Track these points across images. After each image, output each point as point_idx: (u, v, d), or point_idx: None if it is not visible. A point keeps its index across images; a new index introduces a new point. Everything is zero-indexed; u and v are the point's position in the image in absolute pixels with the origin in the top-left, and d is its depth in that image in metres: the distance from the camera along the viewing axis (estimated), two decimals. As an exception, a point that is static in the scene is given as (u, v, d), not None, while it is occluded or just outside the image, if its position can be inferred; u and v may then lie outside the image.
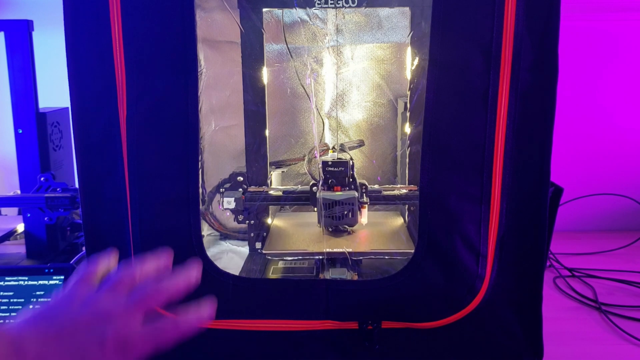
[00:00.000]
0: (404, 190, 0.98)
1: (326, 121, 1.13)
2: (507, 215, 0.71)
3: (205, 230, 1.13)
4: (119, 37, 0.69)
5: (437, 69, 0.68)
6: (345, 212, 0.93)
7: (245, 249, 1.03)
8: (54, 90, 1.10)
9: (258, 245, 1.01)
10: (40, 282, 0.85)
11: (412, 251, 0.73)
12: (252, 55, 0.99)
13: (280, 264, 0.98)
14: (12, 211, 1.29)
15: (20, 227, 1.23)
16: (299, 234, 1.01)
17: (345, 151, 1.00)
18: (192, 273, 0.51)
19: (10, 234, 1.26)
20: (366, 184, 0.97)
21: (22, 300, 0.84)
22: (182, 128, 0.70)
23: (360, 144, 1.08)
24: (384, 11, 1.09)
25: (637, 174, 1.33)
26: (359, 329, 0.74)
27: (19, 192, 1.18)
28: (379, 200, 0.98)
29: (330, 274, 0.88)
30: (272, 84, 1.10)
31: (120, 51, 0.69)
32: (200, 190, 0.86)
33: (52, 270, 0.86)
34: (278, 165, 1.11)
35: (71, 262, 1.09)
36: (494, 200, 0.70)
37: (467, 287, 0.72)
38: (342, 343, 0.75)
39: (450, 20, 0.67)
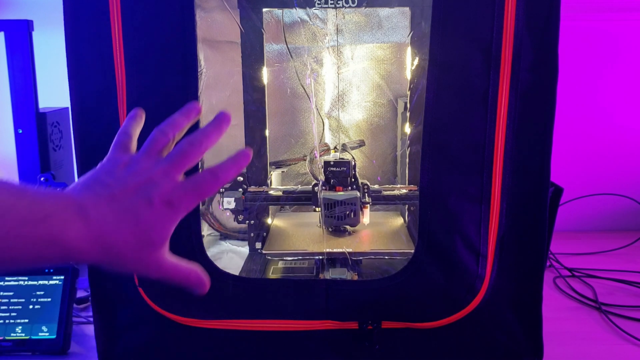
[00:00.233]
0: (404, 190, 0.98)
1: (326, 121, 1.13)
2: (507, 215, 0.71)
3: (205, 230, 1.13)
4: (119, 37, 0.69)
5: (437, 69, 0.68)
6: (347, 212, 0.93)
7: (245, 249, 1.03)
8: (54, 90, 1.10)
9: (258, 245, 1.01)
10: (40, 282, 0.85)
11: (412, 251, 0.73)
12: (252, 55, 0.99)
13: (280, 264, 0.98)
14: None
15: (20, 227, 1.22)
16: (299, 234, 1.01)
17: (347, 151, 1.00)
18: (222, 125, 0.53)
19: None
20: (368, 184, 0.97)
21: (22, 300, 0.84)
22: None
23: (361, 144, 1.08)
24: (384, 11, 1.09)
25: (637, 174, 1.33)
26: (359, 329, 0.74)
27: (19, 192, 1.17)
28: (379, 200, 0.98)
29: (330, 274, 0.88)
30: (272, 84, 1.10)
31: (120, 51, 0.69)
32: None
33: (52, 270, 0.86)
34: (278, 165, 1.11)
35: (71, 262, 1.10)
36: (494, 200, 0.70)
37: (467, 287, 0.72)
38: (342, 343, 0.75)
39: (450, 20, 0.67)
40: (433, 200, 0.70)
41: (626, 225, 1.33)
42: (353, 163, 0.95)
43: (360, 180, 0.95)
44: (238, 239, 1.12)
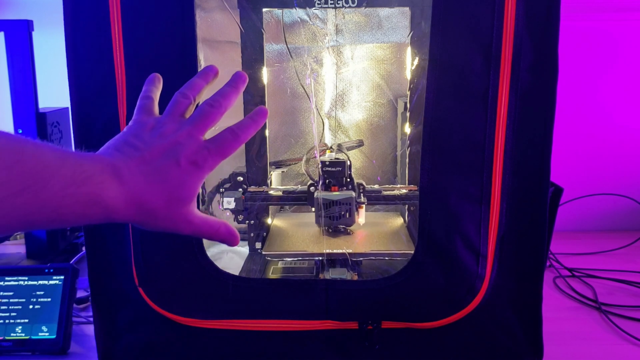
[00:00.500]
0: (404, 190, 0.98)
1: (326, 121, 1.13)
2: (507, 215, 0.71)
3: (205, 230, 1.13)
4: (119, 37, 0.69)
5: (437, 69, 0.68)
6: (343, 212, 0.93)
7: (245, 249, 1.03)
8: (54, 90, 1.10)
9: (258, 245, 1.01)
10: (40, 282, 0.85)
11: (412, 251, 0.73)
12: (252, 55, 0.99)
13: (280, 264, 0.98)
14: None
15: (20, 227, 1.22)
16: (298, 234, 1.01)
17: (342, 151, 1.00)
18: (239, 85, 0.56)
19: (10, 234, 1.26)
20: (364, 184, 0.97)
21: (22, 300, 0.84)
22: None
23: (360, 144, 1.08)
24: (384, 11, 1.09)
25: (637, 174, 1.33)
26: (359, 329, 0.74)
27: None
28: (378, 200, 0.98)
29: (330, 274, 0.88)
30: (272, 84, 1.10)
31: (120, 51, 0.69)
32: (200, 190, 0.86)
33: (52, 270, 0.86)
34: (278, 165, 1.11)
35: (71, 262, 1.10)
36: (494, 200, 0.70)
37: (467, 287, 0.72)
38: (342, 343, 0.75)
39: (450, 20, 0.67)
40: (433, 200, 0.70)
41: (626, 225, 1.33)
42: (348, 163, 0.95)
43: (355, 180, 0.95)
44: (238, 239, 1.12)
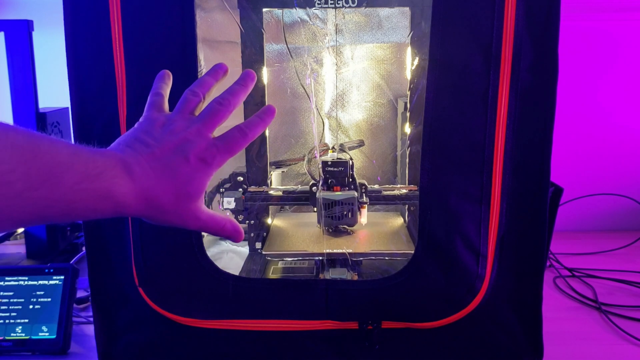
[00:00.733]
0: (404, 190, 0.98)
1: (326, 121, 1.13)
2: (507, 215, 0.71)
3: (205, 230, 1.13)
4: (119, 37, 0.69)
5: (437, 69, 0.68)
6: (345, 212, 0.93)
7: (245, 249, 1.03)
8: (54, 90, 1.10)
9: (258, 245, 1.01)
10: (40, 282, 0.85)
11: (412, 251, 0.73)
12: (252, 55, 0.99)
13: (280, 264, 0.98)
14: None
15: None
16: (299, 234, 1.01)
17: (344, 151, 1.00)
18: (247, 83, 0.57)
19: (10, 234, 1.26)
20: (366, 184, 0.97)
21: (22, 300, 0.84)
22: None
23: (360, 144, 1.08)
24: (384, 11, 1.09)
25: (637, 174, 1.33)
26: (359, 329, 0.74)
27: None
28: (379, 200, 0.98)
29: (330, 274, 0.88)
30: (272, 84, 1.10)
31: (120, 51, 0.69)
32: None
33: (52, 270, 0.86)
34: (278, 165, 1.11)
35: (71, 262, 1.10)
36: (494, 200, 0.70)
37: (467, 287, 0.72)
38: (342, 343, 0.75)
39: (450, 20, 0.67)
40: (433, 200, 0.70)
41: (626, 225, 1.33)
42: (351, 163, 0.95)
43: (358, 180, 0.95)
44: (238, 239, 1.12)
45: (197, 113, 0.55)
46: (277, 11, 1.03)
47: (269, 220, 1.06)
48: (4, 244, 1.24)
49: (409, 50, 0.99)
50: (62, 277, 0.85)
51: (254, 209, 0.99)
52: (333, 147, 1.02)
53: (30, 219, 0.43)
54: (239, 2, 0.97)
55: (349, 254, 0.91)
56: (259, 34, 0.98)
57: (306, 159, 1.01)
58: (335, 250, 0.92)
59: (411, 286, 0.72)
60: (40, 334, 0.82)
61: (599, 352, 0.83)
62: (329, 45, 1.07)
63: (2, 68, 1.10)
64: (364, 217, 0.96)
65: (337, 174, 0.94)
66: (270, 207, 1.05)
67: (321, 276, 0.90)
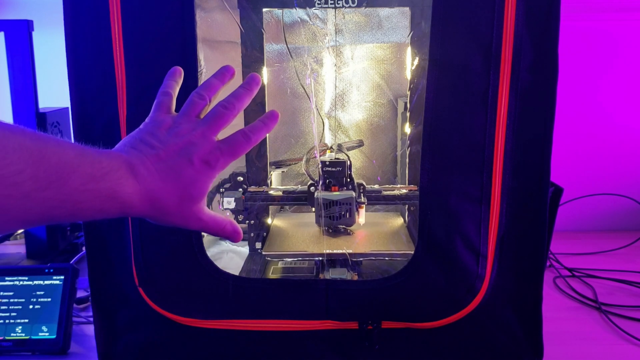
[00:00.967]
0: (404, 190, 0.98)
1: (326, 121, 1.13)
2: (507, 215, 0.71)
3: (205, 230, 1.13)
4: (119, 37, 0.69)
5: (437, 69, 0.68)
6: (343, 212, 0.93)
7: (245, 249, 1.03)
8: (54, 90, 1.10)
9: (258, 245, 1.01)
10: (40, 282, 0.85)
11: (412, 251, 0.73)
12: (252, 55, 0.99)
13: (280, 264, 0.98)
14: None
15: (20, 227, 1.22)
16: (298, 234, 1.01)
17: (342, 151, 1.00)
18: (252, 87, 0.58)
19: (10, 234, 1.26)
20: (364, 184, 0.97)
21: (22, 300, 0.84)
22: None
23: (360, 144, 1.08)
24: (384, 11, 1.09)
25: (637, 174, 1.33)
26: (359, 329, 0.74)
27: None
28: (378, 200, 0.98)
29: (330, 274, 0.88)
30: (272, 84, 1.10)
31: (120, 51, 0.69)
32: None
33: (52, 270, 0.86)
34: (278, 165, 1.11)
35: (71, 262, 1.10)
36: (494, 200, 0.70)
37: (467, 287, 0.72)
38: (342, 343, 0.75)
39: (450, 20, 0.67)
40: (433, 200, 0.70)
41: (626, 225, 1.33)
42: (349, 163, 0.95)
43: (356, 180, 0.95)
44: (238, 239, 1.12)
45: (202, 115, 0.55)
46: (277, 11, 1.03)
47: (269, 221, 1.06)
48: (4, 244, 1.24)
49: (409, 50, 0.99)
50: (62, 277, 0.85)
51: (254, 209, 0.99)
52: (331, 147, 1.02)
53: (37, 219, 0.44)
54: (239, 2, 0.97)
55: (349, 254, 0.91)
56: (259, 34, 0.98)
57: (305, 158, 1.01)
58: (335, 251, 0.92)
59: (411, 286, 0.72)
60: (40, 334, 0.82)
61: (599, 352, 0.83)
62: (329, 45, 1.07)
63: (2, 68, 1.10)
64: (362, 217, 0.96)
65: (335, 174, 0.94)
66: (270, 207, 1.05)
67: (321, 276, 0.90)
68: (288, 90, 1.12)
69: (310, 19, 1.04)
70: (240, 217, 0.99)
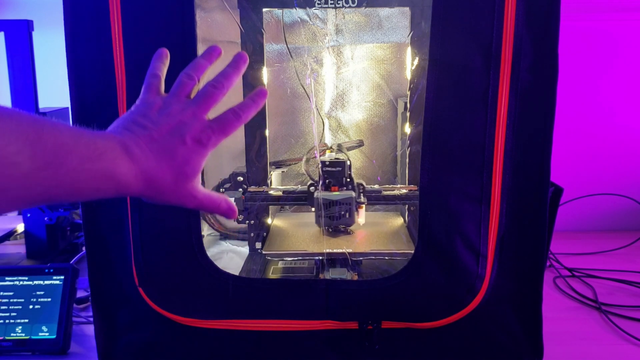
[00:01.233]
0: (404, 190, 0.98)
1: (326, 121, 1.13)
2: (507, 215, 0.71)
3: (205, 230, 1.13)
4: (119, 37, 0.69)
5: (437, 69, 0.68)
6: (343, 212, 0.93)
7: (245, 249, 1.04)
8: (54, 90, 1.10)
9: (258, 245, 1.01)
10: (40, 282, 0.85)
11: (412, 251, 0.73)
12: (252, 55, 0.99)
13: (280, 264, 0.98)
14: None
15: (20, 227, 1.23)
16: (299, 234, 1.01)
17: (342, 151, 1.00)
18: (240, 66, 0.59)
19: (10, 234, 1.26)
20: (364, 184, 0.97)
21: (22, 300, 0.84)
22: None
23: (360, 144, 1.08)
24: (384, 11, 1.09)
25: (637, 174, 1.33)
26: (359, 329, 0.74)
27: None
28: (378, 200, 0.98)
29: (330, 274, 0.88)
30: (272, 84, 1.10)
31: (120, 51, 0.69)
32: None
33: (52, 270, 0.86)
34: (278, 165, 1.11)
35: (71, 262, 1.10)
36: (494, 200, 0.70)
37: (467, 287, 0.72)
38: (342, 343, 0.75)
39: (450, 20, 0.67)
40: (433, 200, 0.70)
41: (626, 225, 1.33)
42: (348, 163, 0.95)
43: (355, 181, 0.95)
44: (238, 239, 1.12)
45: (192, 95, 0.56)
46: (277, 11, 1.03)
47: (269, 220, 1.06)
48: (4, 244, 1.24)
49: (409, 50, 0.99)
50: (62, 277, 0.85)
51: (254, 209, 0.99)
52: (331, 147, 1.02)
53: (37, 199, 0.45)
54: (239, 2, 0.97)
55: (349, 253, 0.91)
56: (259, 34, 0.98)
57: (304, 158, 1.01)
58: (335, 250, 0.92)
59: (411, 286, 0.72)
60: (40, 334, 0.82)
61: (599, 352, 0.83)
62: (329, 45, 1.07)
63: (2, 68, 1.10)
64: (361, 217, 0.96)
65: (335, 174, 0.94)
66: (270, 207, 1.05)
67: (321, 276, 0.90)
68: (288, 90, 1.12)
69: (310, 19, 1.04)
70: (240, 217, 0.99)
